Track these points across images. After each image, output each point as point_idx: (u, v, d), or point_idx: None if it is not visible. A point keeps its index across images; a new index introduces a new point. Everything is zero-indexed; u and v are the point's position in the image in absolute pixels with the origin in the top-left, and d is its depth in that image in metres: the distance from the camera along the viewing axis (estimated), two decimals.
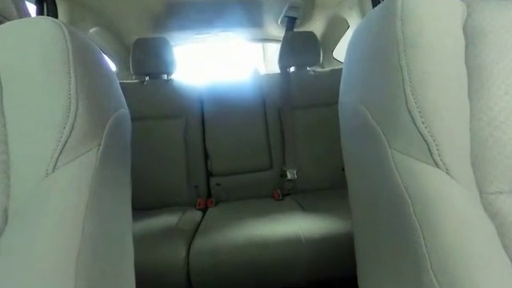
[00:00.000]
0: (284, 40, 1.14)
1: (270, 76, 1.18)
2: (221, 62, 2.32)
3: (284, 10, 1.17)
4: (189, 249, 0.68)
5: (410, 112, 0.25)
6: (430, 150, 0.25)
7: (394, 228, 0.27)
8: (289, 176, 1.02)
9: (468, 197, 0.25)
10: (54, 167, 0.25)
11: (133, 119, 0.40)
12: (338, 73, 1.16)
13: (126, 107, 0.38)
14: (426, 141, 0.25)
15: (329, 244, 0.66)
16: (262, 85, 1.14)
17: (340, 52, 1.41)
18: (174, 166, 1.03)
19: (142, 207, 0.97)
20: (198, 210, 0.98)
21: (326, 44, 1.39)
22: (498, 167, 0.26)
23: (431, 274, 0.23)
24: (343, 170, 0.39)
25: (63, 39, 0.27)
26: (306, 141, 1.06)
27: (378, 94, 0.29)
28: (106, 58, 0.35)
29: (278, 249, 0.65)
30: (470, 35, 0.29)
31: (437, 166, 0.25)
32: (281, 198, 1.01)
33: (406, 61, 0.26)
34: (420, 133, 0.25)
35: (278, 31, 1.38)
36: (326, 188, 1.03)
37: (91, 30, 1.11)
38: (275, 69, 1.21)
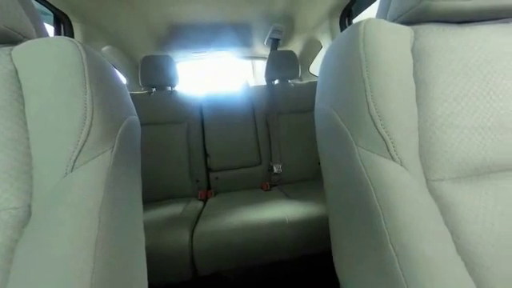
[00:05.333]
0: (269, 57, 1.14)
1: (258, 87, 1.17)
2: (217, 76, 2.30)
3: (269, 33, 1.18)
4: (192, 233, 0.66)
5: (371, 116, 0.26)
6: (387, 147, 0.26)
7: (360, 210, 0.28)
8: (275, 170, 1.02)
9: (417, 183, 0.26)
10: (73, 167, 0.24)
11: (142, 125, 0.39)
12: (313, 85, 1.18)
13: (136, 114, 0.37)
14: (384, 139, 0.26)
15: (308, 225, 0.66)
16: (252, 95, 1.13)
17: (315, 68, 1.44)
18: (178, 163, 1.01)
19: (151, 200, 0.95)
20: (200, 200, 0.97)
21: (303, 61, 1.39)
22: (440, 159, 0.27)
23: (390, 246, 0.24)
24: (319, 164, 0.39)
25: (79, 57, 0.26)
26: (288, 141, 1.07)
27: (345, 102, 0.29)
28: (117, 72, 0.34)
29: (267, 230, 0.65)
30: (417, 55, 0.30)
31: (393, 159, 0.26)
32: (269, 188, 1.00)
33: (367, 75, 0.26)
34: (379, 133, 0.26)
35: (264, 50, 1.40)
36: (306, 179, 1.04)
37: (103, 49, 1.08)
38: (262, 81, 1.21)
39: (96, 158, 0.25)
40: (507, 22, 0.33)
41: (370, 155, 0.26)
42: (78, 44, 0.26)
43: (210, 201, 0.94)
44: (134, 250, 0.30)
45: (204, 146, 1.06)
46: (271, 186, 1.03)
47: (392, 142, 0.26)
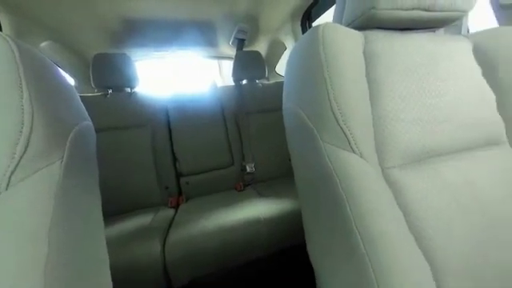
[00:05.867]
0: (236, 58, 1.13)
1: (226, 88, 1.15)
2: (183, 76, 2.20)
3: (234, 33, 1.17)
4: (164, 242, 0.63)
5: (333, 114, 0.28)
6: (348, 141, 0.28)
7: (328, 200, 0.30)
8: (248, 170, 1.02)
9: (374, 172, 0.29)
10: (8, 184, 0.20)
11: (99, 130, 0.35)
12: (280, 85, 1.22)
13: (89, 119, 0.33)
14: (345, 134, 0.28)
15: (283, 221, 0.68)
16: (220, 95, 1.11)
17: (281, 68, 1.48)
18: (144, 170, 0.93)
19: (116, 212, 0.87)
20: (171, 208, 0.91)
21: (270, 61, 1.42)
22: (391, 150, 0.31)
23: (356, 230, 0.26)
24: (290, 160, 0.41)
25: (11, 53, 0.22)
26: (259, 140, 1.07)
27: (310, 101, 0.31)
28: (62, 72, 0.30)
29: (243, 230, 0.65)
30: (368, 57, 0.33)
31: (353, 151, 0.28)
32: (242, 188, 1.00)
33: (328, 75, 0.29)
34: (341, 128, 0.28)
35: (230, 50, 1.37)
36: (278, 176, 1.05)
37: (42, 44, 0.93)
38: (230, 82, 1.20)
39: (40, 171, 0.22)
40: (433, 32, 0.40)
41: (334, 149, 0.28)
42: (8, 38, 0.23)
43: (182, 207, 0.89)
44: (95, 271, 0.27)
45: (172, 149, 1.01)
46: (245, 185, 1.02)
47: (352, 137, 0.28)
